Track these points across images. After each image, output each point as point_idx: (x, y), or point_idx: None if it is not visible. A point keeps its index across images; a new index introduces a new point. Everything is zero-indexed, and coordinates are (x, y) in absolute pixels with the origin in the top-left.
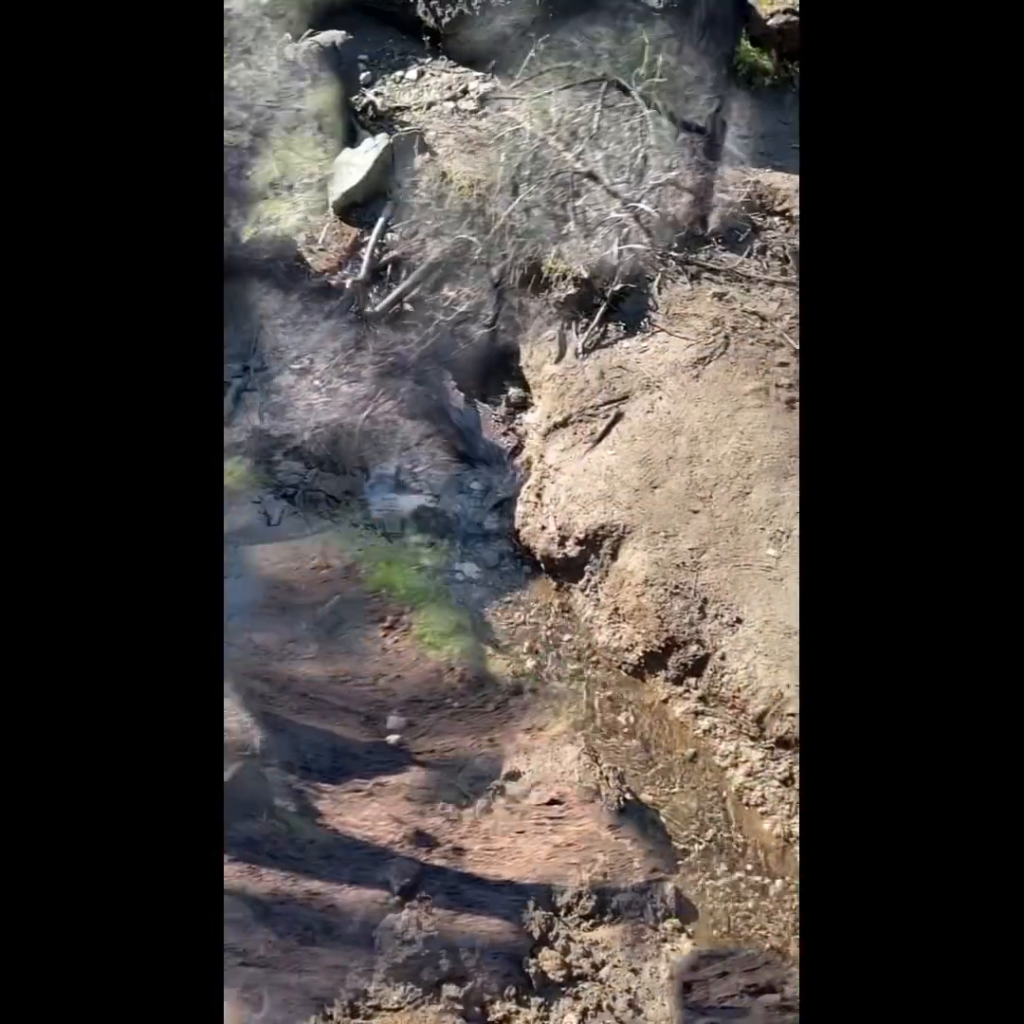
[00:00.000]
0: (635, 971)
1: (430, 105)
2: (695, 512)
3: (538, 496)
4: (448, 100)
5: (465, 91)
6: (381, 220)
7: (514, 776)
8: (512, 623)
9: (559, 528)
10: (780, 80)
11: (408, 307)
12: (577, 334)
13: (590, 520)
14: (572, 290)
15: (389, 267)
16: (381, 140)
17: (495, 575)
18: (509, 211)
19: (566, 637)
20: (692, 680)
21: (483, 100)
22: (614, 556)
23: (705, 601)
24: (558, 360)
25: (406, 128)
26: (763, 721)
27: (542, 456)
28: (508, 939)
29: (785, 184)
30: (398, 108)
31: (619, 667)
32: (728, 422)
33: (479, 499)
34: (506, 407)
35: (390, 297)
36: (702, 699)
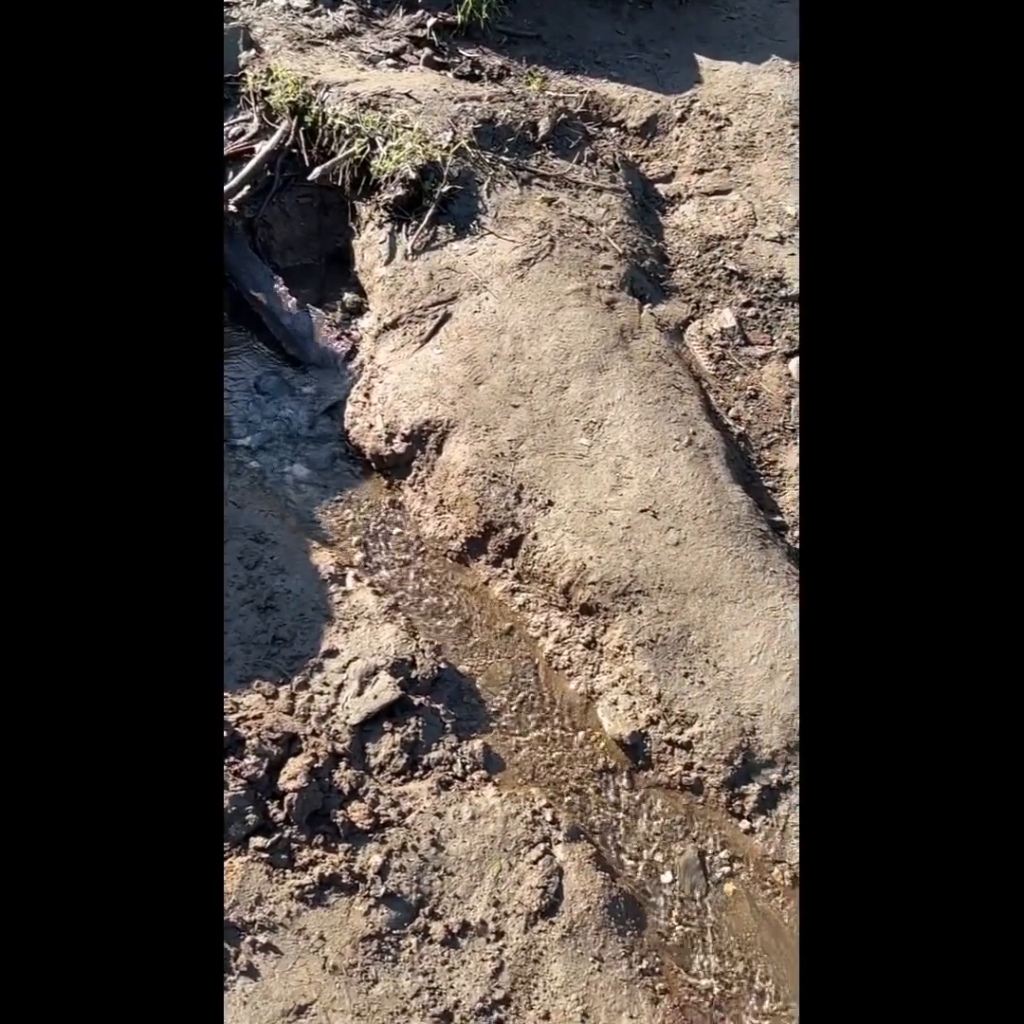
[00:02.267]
0: (440, 815)
1: (261, 1)
2: (516, 406)
3: (366, 396)
4: None
5: None
6: None
7: (332, 653)
8: (342, 520)
9: (386, 426)
10: None
11: (232, 209)
12: (407, 236)
13: (416, 416)
14: (401, 192)
15: None
16: None
17: (327, 475)
18: (335, 110)
19: (396, 531)
20: (509, 561)
21: None
22: (439, 450)
23: (521, 487)
24: (388, 262)
25: (231, 23)
26: (568, 591)
27: (373, 357)
28: (316, 796)
29: (620, 95)
30: (227, 3)
31: (445, 555)
32: (549, 321)
33: (311, 403)
34: (342, 312)
35: None
36: (517, 577)
